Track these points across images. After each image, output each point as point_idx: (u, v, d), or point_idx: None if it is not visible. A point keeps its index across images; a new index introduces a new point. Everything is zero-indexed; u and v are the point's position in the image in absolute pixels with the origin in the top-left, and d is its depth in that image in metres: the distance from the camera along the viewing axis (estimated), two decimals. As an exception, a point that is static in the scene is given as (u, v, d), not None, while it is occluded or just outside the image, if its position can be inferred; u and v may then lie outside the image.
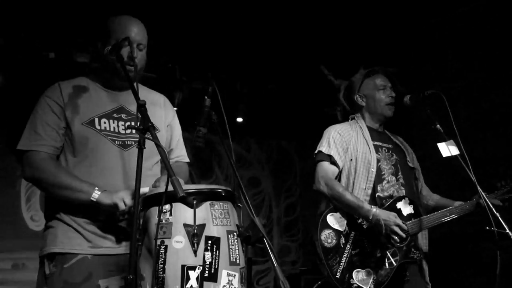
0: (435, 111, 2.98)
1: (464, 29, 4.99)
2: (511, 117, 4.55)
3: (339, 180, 3.21)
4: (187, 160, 2.72)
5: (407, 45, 5.42)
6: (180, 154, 2.69)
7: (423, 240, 3.23)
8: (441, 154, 2.97)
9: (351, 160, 3.19)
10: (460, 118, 2.92)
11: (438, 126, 2.93)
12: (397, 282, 3.08)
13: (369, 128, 3.31)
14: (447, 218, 3.10)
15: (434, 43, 5.29)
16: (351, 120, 3.39)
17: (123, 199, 2.19)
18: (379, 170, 3.16)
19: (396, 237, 3.01)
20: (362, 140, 3.23)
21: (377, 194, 3.14)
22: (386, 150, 3.26)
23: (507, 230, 2.64)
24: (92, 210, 2.27)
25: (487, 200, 2.75)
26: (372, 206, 3.03)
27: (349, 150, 3.21)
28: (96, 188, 2.23)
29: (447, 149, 2.91)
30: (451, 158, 2.90)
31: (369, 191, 3.12)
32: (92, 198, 2.21)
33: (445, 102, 2.87)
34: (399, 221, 3.00)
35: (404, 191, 3.19)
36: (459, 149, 2.82)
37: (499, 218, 2.67)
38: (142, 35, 2.41)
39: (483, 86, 4.81)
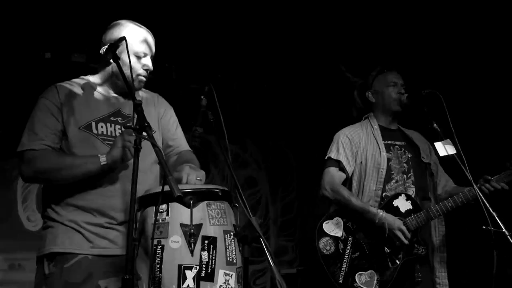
0: (432, 110, 2.98)
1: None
2: (507, 116, 4.57)
3: (351, 183, 3.22)
4: (189, 148, 2.67)
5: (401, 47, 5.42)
6: (180, 144, 2.66)
7: (437, 231, 3.22)
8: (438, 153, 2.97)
9: (361, 162, 3.20)
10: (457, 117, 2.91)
11: (435, 125, 2.93)
12: (406, 282, 3.09)
13: (381, 127, 3.29)
14: (449, 209, 3.04)
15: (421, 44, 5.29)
16: (364, 120, 3.37)
17: (128, 139, 2.18)
18: (389, 169, 3.16)
19: (397, 241, 3.03)
20: (373, 141, 3.22)
21: (384, 193, 3.14)
22: (399, 148, 3.24)
23: (504, 229, 2.64)
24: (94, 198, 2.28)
25: (484, 200, 2.75)
26: (379, 210, 3.05)
27: (359, 153, 3.21)
28: (99, 154, 2.23)
29: (444, 149, 2.91)
30: (448, 157, 2.90)
31: (379, 192, 3.13)
32: (102, 163, 2.21)
33: (443, 101, 2.87)
34: (404, 228, 3.02)
35: (413, 189, 3.18)
36: (456, 148, 2.82)
37: (496, 217, 2.66)
38: (153, 46, 2.50)
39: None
